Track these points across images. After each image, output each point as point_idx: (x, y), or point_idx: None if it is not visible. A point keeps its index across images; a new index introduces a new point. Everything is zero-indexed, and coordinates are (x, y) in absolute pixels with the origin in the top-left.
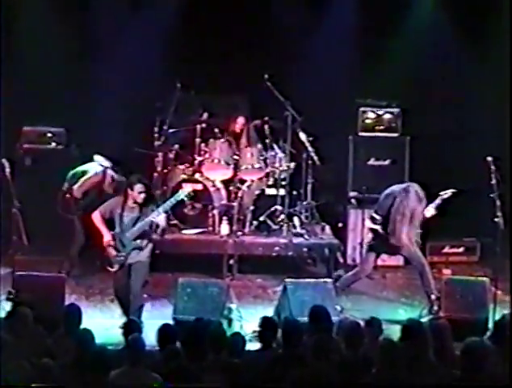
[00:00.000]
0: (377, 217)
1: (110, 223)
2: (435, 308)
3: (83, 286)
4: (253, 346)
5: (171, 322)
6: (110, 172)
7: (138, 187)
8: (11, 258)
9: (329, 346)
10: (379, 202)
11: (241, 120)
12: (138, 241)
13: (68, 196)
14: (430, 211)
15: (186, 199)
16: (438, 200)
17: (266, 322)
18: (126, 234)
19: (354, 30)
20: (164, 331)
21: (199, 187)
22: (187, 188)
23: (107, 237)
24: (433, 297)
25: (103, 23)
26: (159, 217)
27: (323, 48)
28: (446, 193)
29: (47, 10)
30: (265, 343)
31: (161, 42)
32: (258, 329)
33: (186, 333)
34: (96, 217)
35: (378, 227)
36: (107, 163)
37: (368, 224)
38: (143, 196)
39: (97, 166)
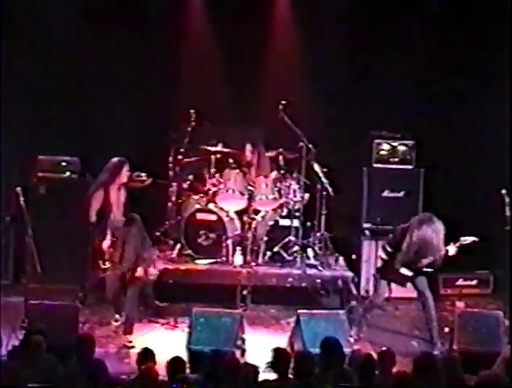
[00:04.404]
0: (389, 249)
1: None
2: (441, 342)
3: (97, 315)
4: (268, 376)
5: (185, 352)
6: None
7: None
8: (25, 286)
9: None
10: (395, 234)
11: (248, 147)
12: None
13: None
14: (452, 250)
15: None
16: (458, 244)
17: (278, 352)
18: None
19: (368, 63)
20: (174, 363)
21: (213, 217)
22: None
23: None
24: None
25: (115, 51)
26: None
27: (338, 80)
28: (467, 240)
29: (61, 36)
30: (280, 374)
31: (175, 72)
32: (271, 360)
33: (203, 363)
34: None
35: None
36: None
37: (380, 254)
38: None
39: None
